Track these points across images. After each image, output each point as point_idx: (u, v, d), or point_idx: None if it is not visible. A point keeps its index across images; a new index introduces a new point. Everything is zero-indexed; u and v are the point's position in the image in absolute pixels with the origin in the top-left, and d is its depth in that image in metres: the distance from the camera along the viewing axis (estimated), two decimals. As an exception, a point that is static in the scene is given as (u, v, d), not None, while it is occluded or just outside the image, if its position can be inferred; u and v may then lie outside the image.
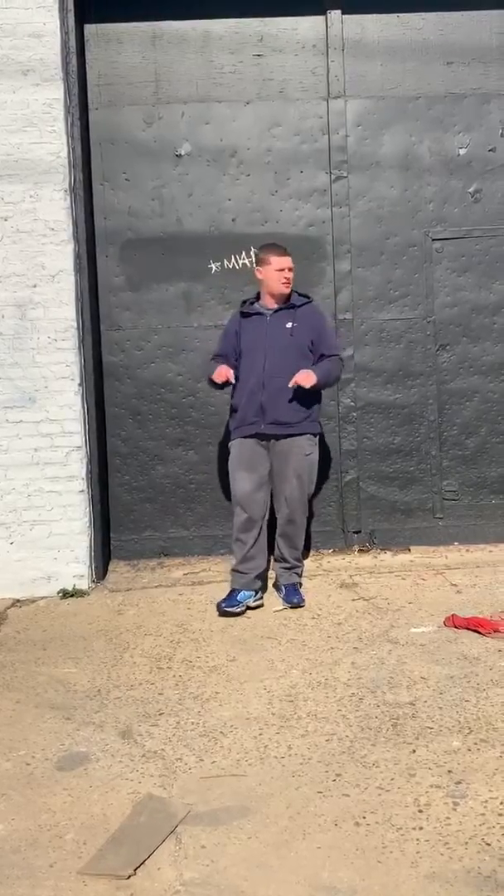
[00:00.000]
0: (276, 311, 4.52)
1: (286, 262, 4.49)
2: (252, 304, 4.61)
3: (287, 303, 4.53)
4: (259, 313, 4.54)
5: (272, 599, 4.58)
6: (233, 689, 3.55)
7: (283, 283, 4.48)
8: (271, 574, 4.70)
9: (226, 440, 4.91)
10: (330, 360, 4.51)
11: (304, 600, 4.51)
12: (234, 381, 4.42)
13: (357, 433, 5.41)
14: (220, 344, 4.68)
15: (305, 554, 4.98)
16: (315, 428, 4.55)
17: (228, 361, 4.51)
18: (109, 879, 2.36)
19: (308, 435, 4.49)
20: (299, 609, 4.45)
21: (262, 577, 4.55)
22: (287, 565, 4.62)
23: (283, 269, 4.47)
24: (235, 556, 4.55)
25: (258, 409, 4.42)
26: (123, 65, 5.27)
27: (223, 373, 4.41)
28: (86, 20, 5.19)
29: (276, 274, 4.47)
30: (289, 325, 4.47)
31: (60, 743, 3.17)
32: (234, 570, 4.54)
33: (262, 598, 4.54)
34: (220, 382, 4.43)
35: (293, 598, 4.51)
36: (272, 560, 4.69)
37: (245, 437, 4.48)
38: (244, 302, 4.67)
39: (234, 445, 4.56)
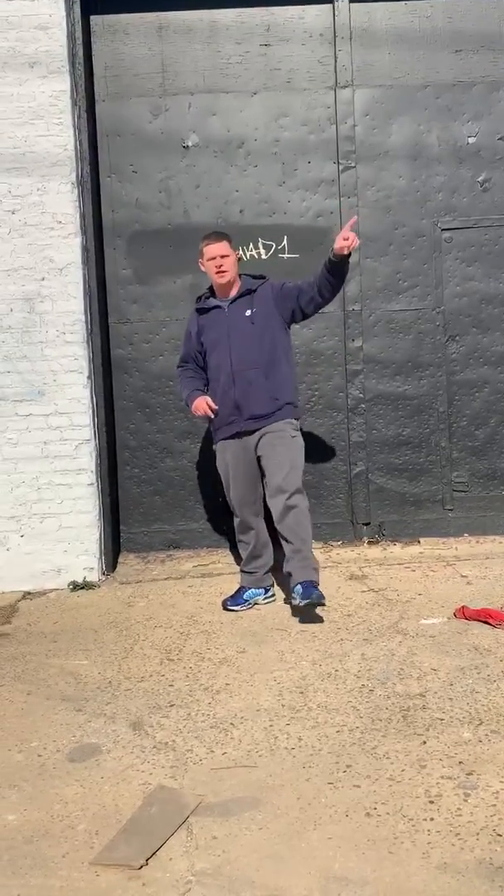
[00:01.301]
0: (234, 300, 4.29)
1: (217, 249, 4.23)
2: (207, 298, 4.39)
3: (242, 289, 4.31)
4: (217, 306, 4.32)
5: (282, 595, 4.57)
6: (243, 681, 3.55)
7: (217, 273, 4.24)
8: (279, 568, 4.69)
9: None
10: (314, 276, 4.22)
11: (323, 596, 4.11)
12: (213, 415, 4.28)
13: (366, 425, 5.39)
14: (182, 348, 4.56)
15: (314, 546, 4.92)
16: (295, 413, 4.33)
17: (196, 369, 4.43)
18: (121, 870, 2.37)
19: (289, 419, 4.29)
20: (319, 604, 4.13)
21: (272, 571, 4.51)
22: (299, 559, 4.18)
23: (213, 258, 4.23)
24: (242, 557, 4.54)
25: (234, 408, 4.25)
26: (130, 56, 5.25)
27: (201, 407, 4.27)
28: (91, 11, 5.17)
29: (209, 264, 4.26)
30: (248, 312, 4.25)
31: (72, 734, 3.19)
32: (241, 571, 4.53)
33: (273, 595, 4.48)
34: (199, 416, 4.32)
35: (312, 593, 4.08)
36: (283, 554, 4.49)
37: (226, 438, 4.34)
38: (199, 298, 4.47)
39: (218, 449, 4.43)
